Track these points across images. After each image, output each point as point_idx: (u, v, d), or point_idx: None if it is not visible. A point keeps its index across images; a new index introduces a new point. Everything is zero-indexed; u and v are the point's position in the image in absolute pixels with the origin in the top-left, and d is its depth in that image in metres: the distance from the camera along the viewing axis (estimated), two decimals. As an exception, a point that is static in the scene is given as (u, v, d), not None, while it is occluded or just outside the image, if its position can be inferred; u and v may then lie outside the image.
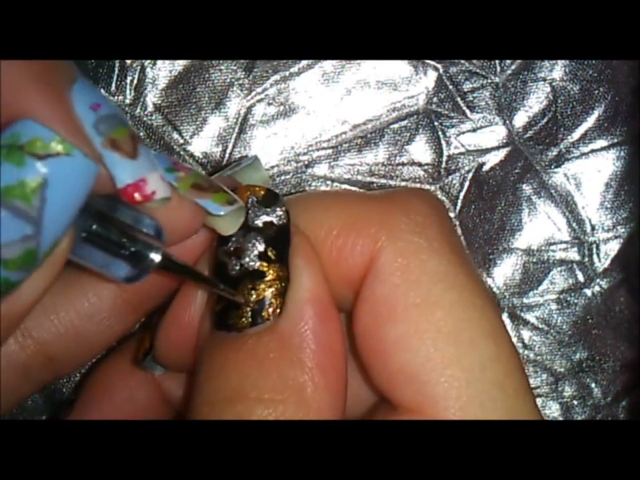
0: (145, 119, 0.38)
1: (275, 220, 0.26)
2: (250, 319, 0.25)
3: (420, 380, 0.24)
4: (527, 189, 0.39)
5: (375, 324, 0.25)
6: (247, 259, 0.25)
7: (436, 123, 0.39)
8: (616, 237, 0.39)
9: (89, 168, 0.21)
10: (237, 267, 0.25)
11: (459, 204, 0.39)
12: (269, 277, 0.25)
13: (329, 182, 0.38)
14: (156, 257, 0.23)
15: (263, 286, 0.25)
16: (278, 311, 0.25)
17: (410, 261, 0.25)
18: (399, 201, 0.26)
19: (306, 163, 0.38)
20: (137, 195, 0.23)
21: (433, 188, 0.39)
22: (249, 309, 0.25)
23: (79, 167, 0.21)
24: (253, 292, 0.25)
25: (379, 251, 0.25)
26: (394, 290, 0.25)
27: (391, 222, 0.25)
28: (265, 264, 0.25)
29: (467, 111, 0.39)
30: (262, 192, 0.26)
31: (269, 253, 0.25)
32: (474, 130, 0.39)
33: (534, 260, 0.39)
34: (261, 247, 0.25)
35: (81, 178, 0.21)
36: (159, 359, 0.30)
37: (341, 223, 0.26)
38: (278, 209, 0.26)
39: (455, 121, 0.39)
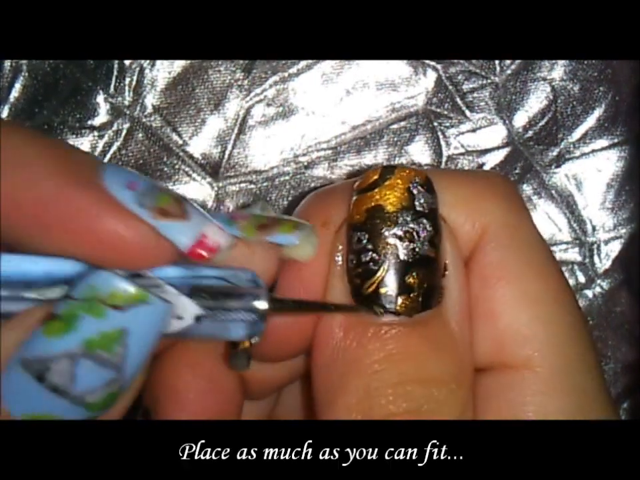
0: (143, 120, 0.38)
1: (434, 206, 0.25)
2: (420, 305, 0.24)
3: (526, 336, 0.25)
4: (527, 189, 0.39)
5: (484, 286, 0.25)
6: (418, 244, 0.25)
7: (435, 124, 0.38)
8: (617, 238, 0.39)
9: (164, 309, 0.22)
10: (413, 249, 0.25)
11: (459, 204, 0.39)
12: (436, 264, 0.25)
13: (328, 183, 0.38)
14: (262, 304, 0.23)
15: (431, 272, 0.25)
16: (441, 298, 0.25)
17: (520, 225, 0.26)
18: (495, 183, 0.27)
19: (305, 163, 0.38)
20: (203, 252, 0.23)
21: (432, 188, 0.39)
22: (417, 294, 0.24)
23: (157, 311, 0.22)
24: (423, 277, 0.25)
25: (490, 223, 0.26)
26: (505, 251, 0.25)
27: (497, 197, 0.26)
28: (433, 250, 0.25)
29: (467, 111, 0.38)
30: (423, 176, 0.25)
31: (435, 240, 0.25)
32: (474, 130, 0.39)
33: (534, 260, 0.39)
34: (429, 232, 0.25)
35: (158, 320, 0.22)
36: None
37: (452, 201, 0.26)
38: (434, 194, 0.25)
39: (454, 121, 0.38)
